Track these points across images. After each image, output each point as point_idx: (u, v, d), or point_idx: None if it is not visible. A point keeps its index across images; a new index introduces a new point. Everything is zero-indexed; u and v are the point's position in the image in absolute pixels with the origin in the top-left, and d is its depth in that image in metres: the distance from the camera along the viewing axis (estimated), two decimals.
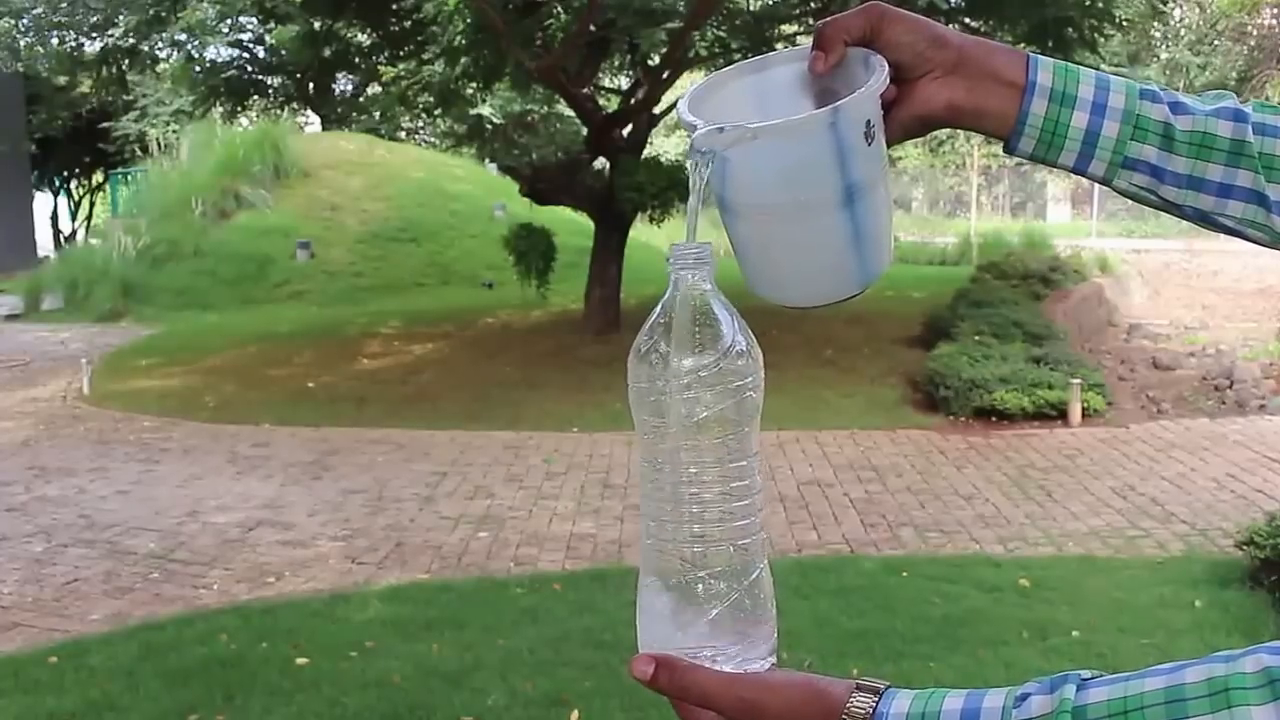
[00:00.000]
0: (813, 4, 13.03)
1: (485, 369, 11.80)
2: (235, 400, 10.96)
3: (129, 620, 5.36)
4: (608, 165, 13.42)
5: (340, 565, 6.14)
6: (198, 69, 17.15)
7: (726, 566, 0.84)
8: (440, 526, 6.80)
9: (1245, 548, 5.34)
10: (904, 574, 5.71)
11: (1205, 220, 0.98)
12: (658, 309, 0.84)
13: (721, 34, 12.76)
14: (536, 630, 5.02)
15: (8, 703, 4.42)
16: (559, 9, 11.59)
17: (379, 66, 16.37)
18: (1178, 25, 29.76)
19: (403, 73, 14.23)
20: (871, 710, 0.78)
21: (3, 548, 6.56)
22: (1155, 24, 20.64)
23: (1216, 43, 29.40)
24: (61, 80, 26.81)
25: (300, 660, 4.73)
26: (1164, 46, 30.07)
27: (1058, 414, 9.07)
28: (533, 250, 13.66)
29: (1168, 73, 27.68)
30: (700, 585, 0.84)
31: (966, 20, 12.46)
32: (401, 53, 14.47)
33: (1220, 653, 0.73)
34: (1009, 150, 0.99)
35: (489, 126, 19.58)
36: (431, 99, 14.72)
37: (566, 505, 7.17)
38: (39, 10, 14.58)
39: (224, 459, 8.67)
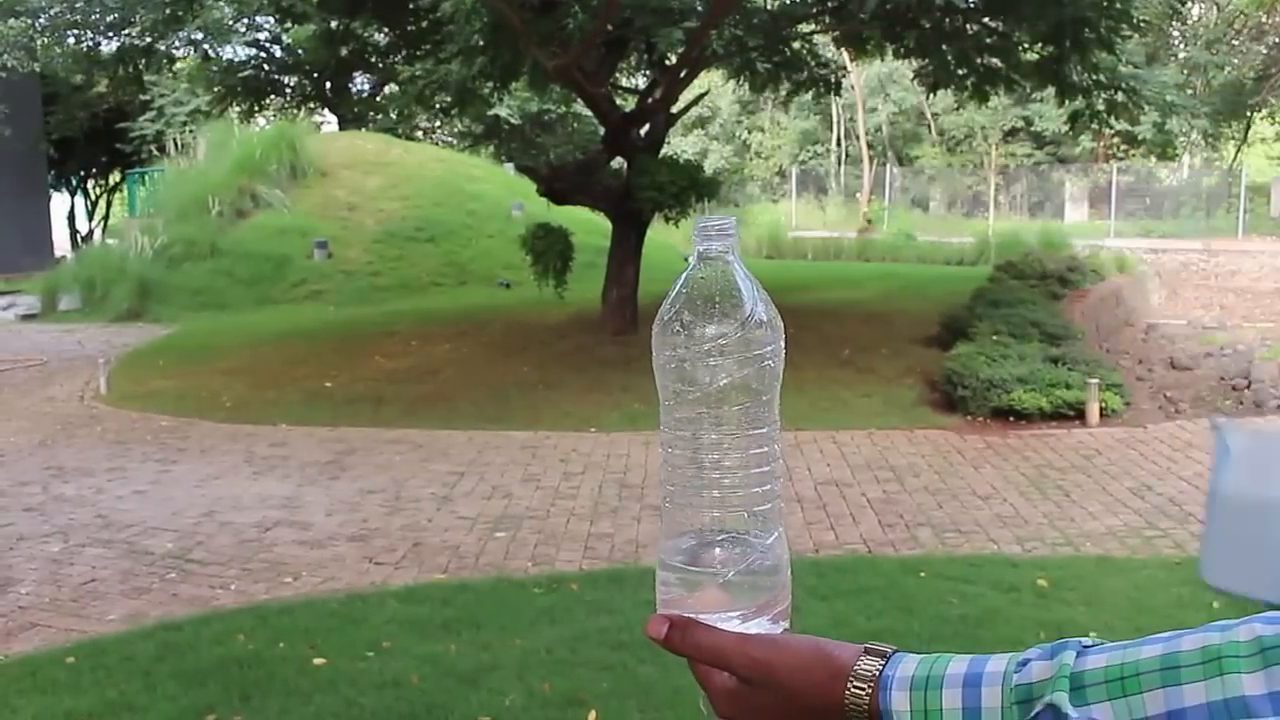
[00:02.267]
0: (830, 3, 13.02)
1: (502, 369, 11.81)
2: (252, 400, 10.99)
3: (146, 620, 5.37)
4: (625, 165, 13.41)
5: (357, 565, 6.14)
6: (214, 68, 17.21)
7: (744, 531, 0.86)
8: (458, 526, 6.80)
9: None
10: (922, 574, 5.69)
11: None
12: (681, 278, 0.86)
13: (739, 33, 12.74)
14: (554, 630, 5.02)
15: (25, 702, 4.42)
16: (576, 8, 11.58)
17: (396, 66, 16.40)
18: (1195, 25, 29.65)
19: (420, 72, 14.24)
20: (878, 672, 0.80)
21: (20, 548, 6.58)
22: (1173, 24, 20.56)
23: (1235, 42, 29.26)
24: (78, 80, 26.95)
25: (317, 660, 4.74)
26: (1182, 46, 29.97)
27: (1075, 414, 9.04)
28: (550, 250, 13.64)
29: (1185, 72, 27.54)
30: (717, 549, 0.85)
31: (985, 20, 12.42)
32: (419, 52, 14.50)
33: (1217, 622, 0.76)
34: None
35: (506, 126, 19.60)
36: (449, 98, 14.74)
37: (584, 505, 7.17)
38: (55, 10, 14.62)
39: (241, 459, 8.69)
